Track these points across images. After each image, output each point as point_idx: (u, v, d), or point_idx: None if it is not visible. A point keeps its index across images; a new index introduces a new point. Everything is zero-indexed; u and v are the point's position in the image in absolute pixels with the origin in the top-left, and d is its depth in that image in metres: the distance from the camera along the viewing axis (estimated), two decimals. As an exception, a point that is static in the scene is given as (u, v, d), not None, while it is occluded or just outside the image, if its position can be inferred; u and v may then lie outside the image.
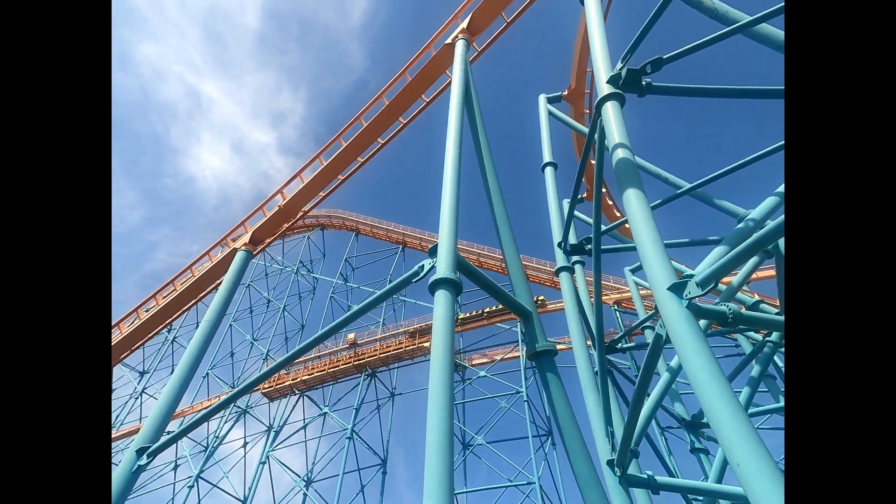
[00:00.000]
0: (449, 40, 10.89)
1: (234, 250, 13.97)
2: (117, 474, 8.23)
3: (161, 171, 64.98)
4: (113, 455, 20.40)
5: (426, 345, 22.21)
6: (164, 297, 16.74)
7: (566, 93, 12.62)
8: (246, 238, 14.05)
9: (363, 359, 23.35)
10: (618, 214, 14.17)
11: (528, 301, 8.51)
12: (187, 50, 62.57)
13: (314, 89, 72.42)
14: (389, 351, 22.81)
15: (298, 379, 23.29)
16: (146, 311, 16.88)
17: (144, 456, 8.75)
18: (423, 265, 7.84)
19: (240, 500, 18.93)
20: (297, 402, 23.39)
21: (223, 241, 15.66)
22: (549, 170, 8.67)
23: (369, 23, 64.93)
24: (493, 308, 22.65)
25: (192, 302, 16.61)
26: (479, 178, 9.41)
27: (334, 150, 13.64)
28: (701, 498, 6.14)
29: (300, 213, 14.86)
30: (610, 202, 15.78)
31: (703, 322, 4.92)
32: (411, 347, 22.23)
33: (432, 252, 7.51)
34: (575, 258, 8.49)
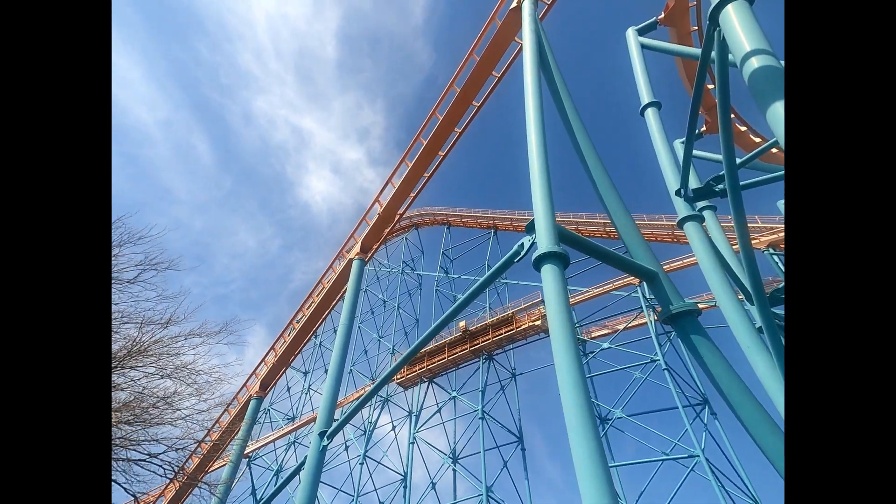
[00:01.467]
0: (514, 3, 10.28)
1: (350, 260, 15.74)
2: (311, 455, 10.29)
3: (285, 204, 78.14)
4: (299, 440, 25.36)
5: (537, 323, 21.85)
6: (308, 308, 19.88)
7: (662, 15, 10.75)
8: (357, 248, 15.71)
9: (477, 344, 24.20)
10: (755, 141, 11.54)
11: (651, 261, 7.62)
12: (287, 94, 73.56)
13: (389, 98, 77.50)
14: (501, 334, 23.14)
15: (424, 368, 25.36)
16: (298, 322, 20.30)
17: (325, 437, 10.71)
18: (522, 243, 7.65)
19: (400, 475, 21.70)
20: (427, 388, 25.57)
21: (340, 255, 17.76)
22: (650, 111, 7.54)
23: (430, 16, 66.20)
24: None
25: (329, 309, 19.33)
26: (567, 141, 8.73)
27: (416, 151, 14.23)
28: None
29: (397, 217, 15.93)
30: (742, 128, 12.94)
31: None
32: (523, 327, 22.16)
33: (530, 228, 7.26)
34: (702, 204, 7.23)
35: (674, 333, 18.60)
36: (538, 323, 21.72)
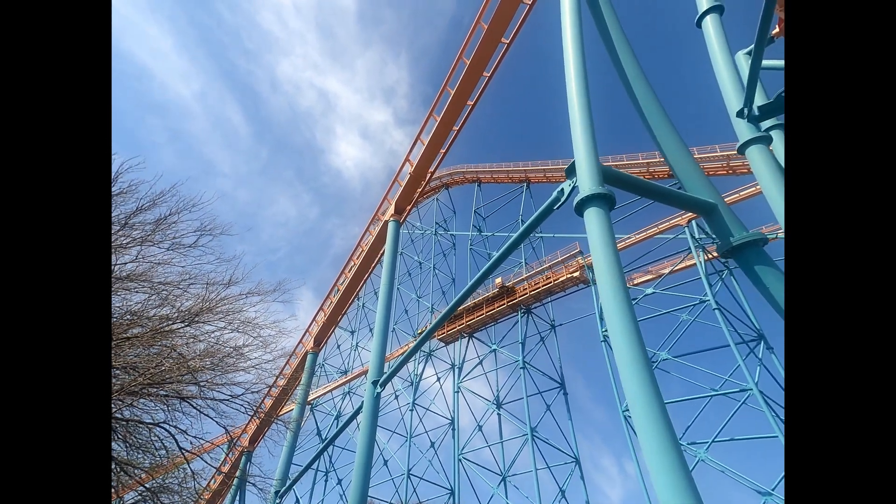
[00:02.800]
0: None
1: (386, 223, 15.94)
2: (366, 400, 11.34)
3: (318, 172, 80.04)
4: (353, 390, 27.78)
5: (575, 275, 21.53)
6: (350, 271, 20.67)
7: None
8: (391, 210, 15.82)
9: (515, 299, 24.45)
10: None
11: (709, 192, 7.07)
12: (310, 54, 72.69)
13: (414, 49, 74.17)
14: (539, 287, 23.14)
15: (464, 324, 26.21)
16: (341, 285, 21.25)
17: (378, 385, 11.65)
18: (562, 189, 7.32)
19: (448, 419, 23.37)
20: (467, 343, 26.60)
21: (375, 218, 18.01)
22: (709, 19, 6.54)
23: (450, -51, 60.99)
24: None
25: (369, 271, 19.96)
26: (607, 72, 7.96)
27: (444, 103, 13.65)
28: None
29: (428, 175, 15.71)
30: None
31: None
32: (561, 280, 21.97)
33: (570, 171, 6.89)
34: (768, 123, 6.41)
35: (725, 272, 17.66)
36: (576, 275, 21.41)
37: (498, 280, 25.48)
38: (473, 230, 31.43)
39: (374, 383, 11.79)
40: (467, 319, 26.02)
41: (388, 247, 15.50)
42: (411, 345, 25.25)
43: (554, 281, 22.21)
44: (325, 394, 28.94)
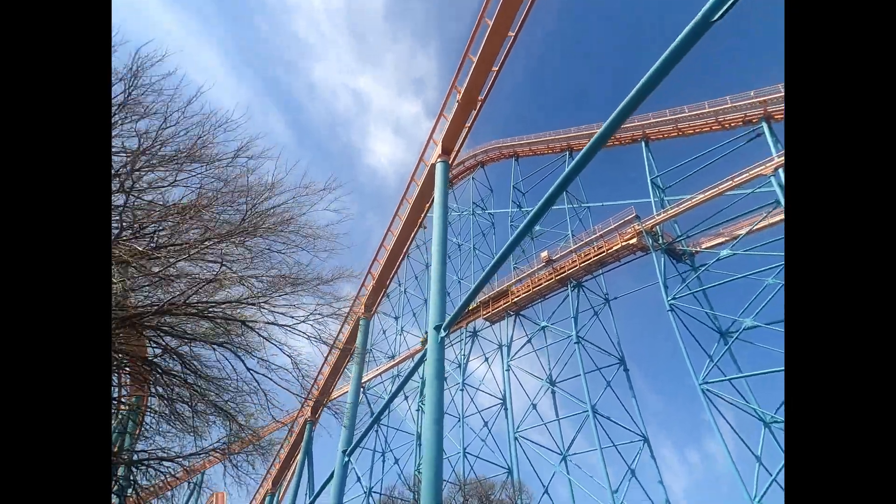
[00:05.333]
0: None
1: (433, 166, 14.30)
2: (430, 348, 10.57)
3: (356, 172, 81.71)
4: (401, 373, 27.92)
5: (632, 242, 19.89)
6: (395, 228, 19.22)
7: None
8: (437, 150, 14.05)
9: (563, 272, 23.16)
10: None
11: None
12: (343, 57, 74.21)
13: (441, 38, 73.44)
14: (590, 258, 21.70)
15: (510, 302, 25.31)
16: (388, 245, 19.89)
17: (441, 330, 10.90)
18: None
19: (499, 399, 22.79)
20: (514, 321, 25.72)
21: (419, 163, 15.79)
22: None
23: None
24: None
25: (416, 226, 18.03)
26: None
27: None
28: None
29: (479, 101, 13.12)
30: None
31: None
32: (615, 248, 20.41)
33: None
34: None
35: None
36: (633, 241, 19.75)
37: (544, 254, 24.26)
38: (513, 206, 30.24)
39: (437, 328, 11.06)
40: (513, 297, 25.09)
41: (437, 191, 13.71)
42: (458, 328, 24.78)
43: (607, 250, 20.69)
44: (374, 377, 29.34)
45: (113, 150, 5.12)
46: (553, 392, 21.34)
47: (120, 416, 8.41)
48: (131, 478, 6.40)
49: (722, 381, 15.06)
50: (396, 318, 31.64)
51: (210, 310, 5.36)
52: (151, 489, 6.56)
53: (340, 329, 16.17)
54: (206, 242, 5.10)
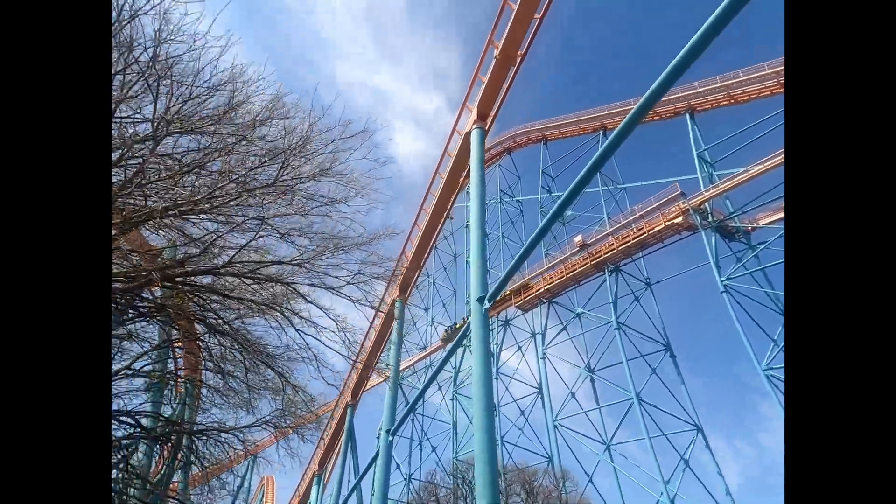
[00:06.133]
0: None
1: (467, 134, 13.18)
2: (474, 321, 10.08)
3: (379, 171, 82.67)
4: (433, 364, 27.87)
5: (677, 221, 18.73)
6: (428, 205, 17.58)
7: None
8: (472, 117, 12.84)
9: (599, 257, 22.22)
10: None
11: None
12: (364, 53, 74.76)
13: (463, 27, 72.42)
14: (628, 240, 20.66)
15: (542, 289, 24.60)
16: (420, 223, 19.17)
17: (485, 301, 10.37)
18: None
19: (535, 388, 22.27)
20: (547, 310, 25.01)
21: (453, 134, 14.73)
22: None
23: None
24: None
25: (451, 201, 17.10)
26: None
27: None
28: None
29: (518, 57, 11.76)
30: None
31: None
32: (657, 229, 19.29)
33: None
34: None
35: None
36: (678, 221, 18.59)
37: (578, 238, 23.35)
38: (543, 192, 29.34)
39: (481, 300, 10.49)
40: (546, 283, 24.36)
41: (474, 158, 12.54)
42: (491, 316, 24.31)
43: (648, 231, 19.59)
44: (406, 368, 29.44)
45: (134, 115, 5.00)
46: (592, 380, 20.59)
47: (184, 389, 8.59)
48: (193, 447, 6.46)
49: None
50: (426, 310, 31.57)
51: (256, 272, 5.20)
52: (213, 462, 6.61)
53: (386, 290, 15.58)
54: (242, 196, 4.88)
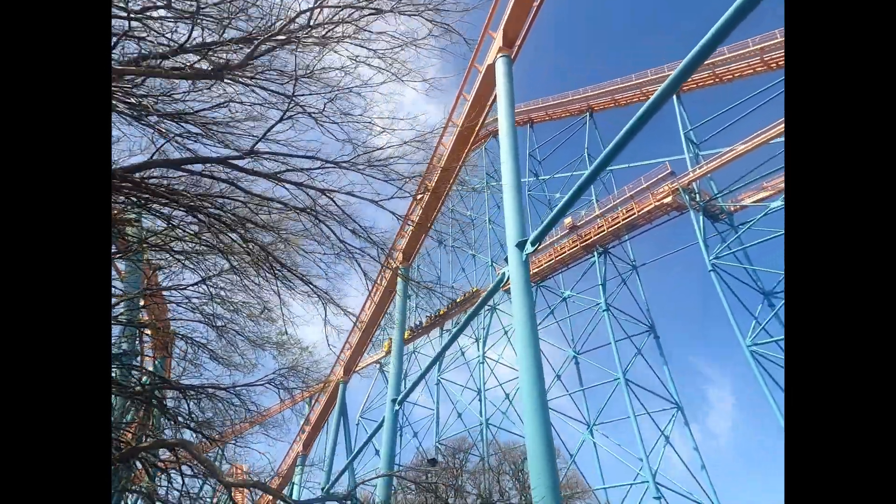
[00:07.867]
0: None
1: (491, 66, 11.87)
2: (513, 267, 9.41)
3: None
4: (418, 349, 27.33)
5: (667, 201, 18.63)
6: (438, 161, 15.12)
7: None
8: (497, 43, 11.39)
9: (588, 239, 22.05)
10: None
11: None
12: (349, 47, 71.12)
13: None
14: (619, 221, 20.51)
15: (531, 272, 24.32)
16: (430, 181, 17.27)
17: (528, 245, 9.58)
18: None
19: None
20: (535, 292, 24.80)
21: (471, 69, 13.13)
22: None
23: None
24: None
25: (464, 157, 15.25)
26: None
27: None
28: None
29: None
30: None
31: None
32: (647, 209, 19.16)
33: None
34: None
35: None
36: (667, 200, 18.49)
37: (567, 220, 23.08)
38: (530, 175, 28.93)
39: (521, 245, 9.54)
40: (534, 266, 24.08)
41: (501, 91, 11.18)
42: (482, 294, 23.93)
43: (638, 212, 19.45)
44: (419, 336, 28.67)
45: None
46: (576, 362, 20.54)
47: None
48: (184, 407, 5.86)
49: (769, 342, 14.08)
50: (439, 277, 30.67)
51: (285, 173, 4.46)
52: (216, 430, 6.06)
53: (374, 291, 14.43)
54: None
